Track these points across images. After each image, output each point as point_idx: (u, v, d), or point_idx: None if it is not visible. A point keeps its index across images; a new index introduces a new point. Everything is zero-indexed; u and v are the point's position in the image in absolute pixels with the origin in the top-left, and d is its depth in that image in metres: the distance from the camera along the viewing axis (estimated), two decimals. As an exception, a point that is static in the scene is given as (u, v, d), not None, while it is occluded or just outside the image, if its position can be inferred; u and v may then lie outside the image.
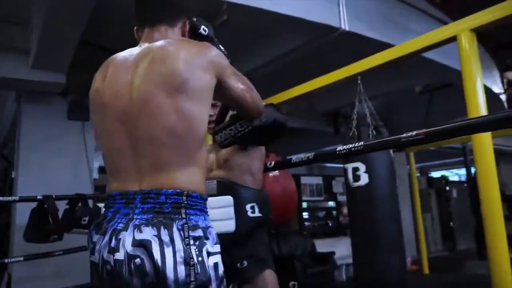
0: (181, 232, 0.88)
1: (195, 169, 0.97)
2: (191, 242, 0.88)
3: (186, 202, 0.92)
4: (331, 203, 7.46)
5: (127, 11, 3.52)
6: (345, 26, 3.23)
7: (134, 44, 1.15)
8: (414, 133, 1.15)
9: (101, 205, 3.09)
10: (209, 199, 1.03)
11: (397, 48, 2.70)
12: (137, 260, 0.86)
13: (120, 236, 0.89)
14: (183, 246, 0.87)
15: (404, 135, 1.18)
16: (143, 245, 0.86)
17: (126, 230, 0.89)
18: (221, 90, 1.06)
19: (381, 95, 5.12)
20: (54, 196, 3.05)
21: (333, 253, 5.78)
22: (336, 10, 3.24)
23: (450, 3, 4.43)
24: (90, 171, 4.26)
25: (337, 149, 1.37)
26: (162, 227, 0.87)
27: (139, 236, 0.87)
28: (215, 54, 1.04)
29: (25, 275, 3.68)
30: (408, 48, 2.55)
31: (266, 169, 1.72)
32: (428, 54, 3.25)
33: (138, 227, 0.88)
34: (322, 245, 6.20)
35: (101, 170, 4.72)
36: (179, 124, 0.94)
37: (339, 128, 6.34)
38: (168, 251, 0.85)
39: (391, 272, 2.39)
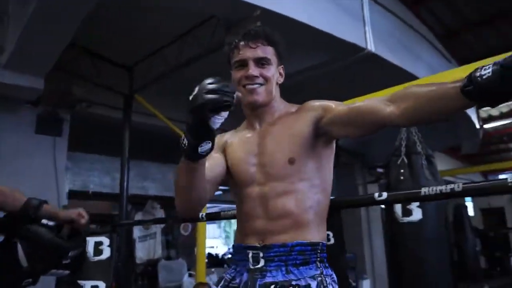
0: None
1: None
2: None
3: None
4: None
5: (119, 19, 3.04)
6: (371, 47, 3.04)
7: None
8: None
9: (89, 238, 2.50)
10: None
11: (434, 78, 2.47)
12: None
13: None
14: None
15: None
16: None
17: None
18: None
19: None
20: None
21: None
22: (362, 30, 3.05)
23: (451, 37, 4.47)
24: (59, 197, 3.60)
25: (509, 181, 0.91)
26: None
27: None
28: None
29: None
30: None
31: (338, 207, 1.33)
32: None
33: None
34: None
35: (71, 195, 4.02)
36: None
37: (338, 159, 6.12)
38: None
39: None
